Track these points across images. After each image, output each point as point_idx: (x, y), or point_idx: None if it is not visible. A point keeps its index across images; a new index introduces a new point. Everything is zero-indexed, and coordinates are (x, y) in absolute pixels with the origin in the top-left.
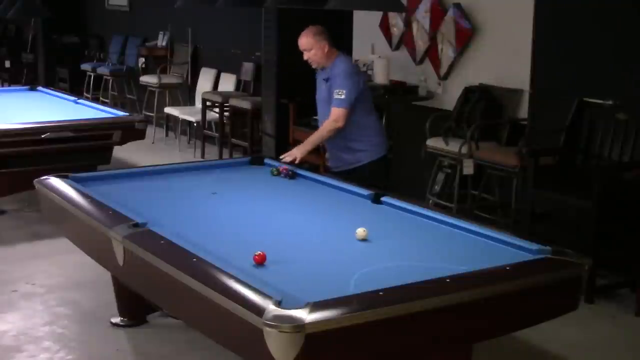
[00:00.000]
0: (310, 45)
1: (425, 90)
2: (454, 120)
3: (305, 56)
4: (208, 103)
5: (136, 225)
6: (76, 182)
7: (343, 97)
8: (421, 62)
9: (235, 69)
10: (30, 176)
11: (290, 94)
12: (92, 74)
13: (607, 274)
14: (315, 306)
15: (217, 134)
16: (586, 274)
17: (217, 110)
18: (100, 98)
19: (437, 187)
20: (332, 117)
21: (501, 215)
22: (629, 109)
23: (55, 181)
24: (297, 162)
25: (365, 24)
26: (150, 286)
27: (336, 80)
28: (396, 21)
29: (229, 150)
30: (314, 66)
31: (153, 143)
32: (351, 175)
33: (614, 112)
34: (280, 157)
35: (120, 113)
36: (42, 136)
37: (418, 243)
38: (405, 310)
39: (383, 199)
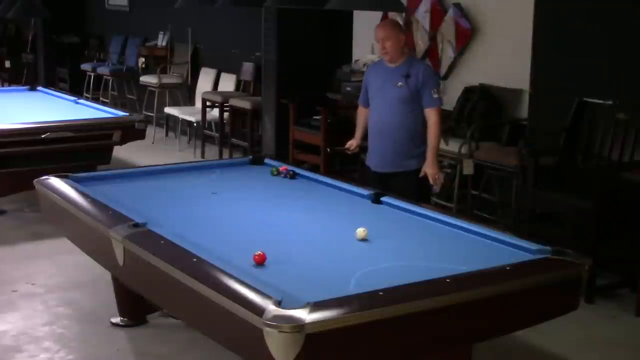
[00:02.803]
0: (389, 35)
1: None
2: (454, 120)
3: (382, 46)
4: (208, 103)
5: (136, 225)
6: (76, 182)
7: (437, 95)
8: None
9: (235, 69)
10: (30, 176)
11: (290, 94)
12: (92, 74)
13: (607, 274)
14: (315, 306)
15: (217, 134)
16: (586, 274)
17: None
18: (100, 98)
19: (436, 187)
20: (437, 117)
21: (501, 215)
22: (629, 109)
23: (55, 181)
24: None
25: (365, 24)
26: (150, 286)
27: (427, 78)
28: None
29: (229, 150)
30: (386, 58)
31: (153, 143)
32: (394, 179)
33: (614, 112)
34: (432, 186)
35: (120, 113)
36: (42, 136)
37: (418, 243)
38: (405, 310)
39: (383, 199)
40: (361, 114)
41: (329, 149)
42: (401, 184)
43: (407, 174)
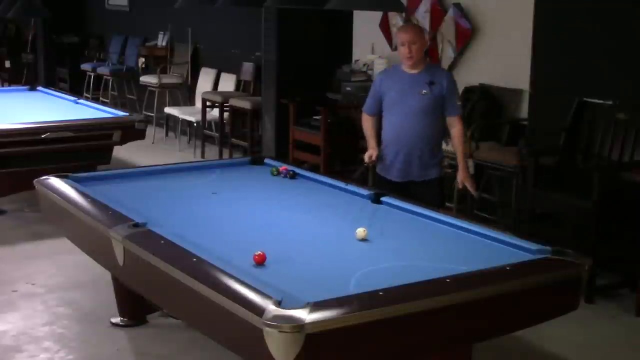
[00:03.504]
0: (416, 39)
1: None
2: None
3: (407, 49)
4: (208, 103)
5: (136, 225)
6: (76, 182)
7: (460, 103)
8: None
9: (235, 69)
10: (30, 176)
11: (290, 94)
12: (92, 74)
13: (607, 274)
14: (315, 306)
15: (217, 134)
16: (586, 274)
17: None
18: (100, 98)
19: (476, 193)
20: (461, 128)
21: (501, 215)
22: (629, 109)
23: (55, 181)
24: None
25: (365, 24)
26: (150, 286)
27: (453, 86)
28: (396, 21)
29: (229, 150)
30: (408, 63)
31: (153, 143)
32: (415, 188)
33: (614, 112)
34: (474, 193)
35: (120, 113)
36: (42, 136)
37: (418, 243)
38: (405, 310)
39: (383, 199)
40: (368, 121)
41: (346, 183)
42: (422, 193)
43: (428, 183)
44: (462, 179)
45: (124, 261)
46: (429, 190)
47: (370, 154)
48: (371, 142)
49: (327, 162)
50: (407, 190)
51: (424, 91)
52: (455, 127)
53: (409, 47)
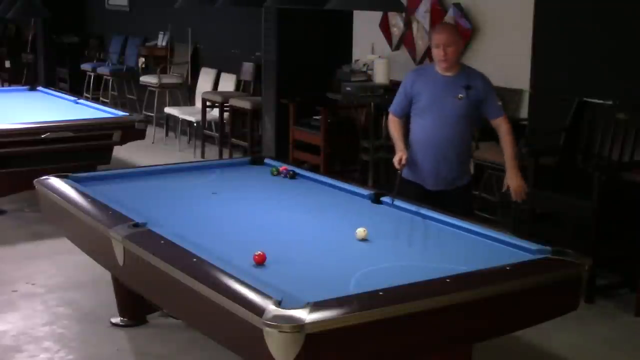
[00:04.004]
0: (452, 41)
1: None
2: None
3: (442, 52)
4: (208, 103)
5: (136, 225)
6: (76, 182)
7: (500, 103)
8: (421, 62)
9: (235, 69)
10: (30, 176)
11: (291, 94)
12: (92, 74)
13: (607, 274)
14: (315, 306)
15: (217, 134)
16: (586, 274)
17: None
18: (100, 98)
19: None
20: (509, 124)
21: (501, 215)
22: (629, 109)
23: (55, 181)
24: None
25: (365, 24)
26: (150, 286)
27: (489, 87)
28: (396, 21)
29: (229, 150)
30: (443, 66)
31: (153, 143)
32: (445, 196)
33: (614, 112)
34: (515, 200)
35: (120, 113)
36: (42, 136)
37: (418, 243)
38: (405, 310)
39: (383, 199)
40: (396, 123)
41: (392, 199)
42: (453, 201)
43: (458, 191)
44: (515, 185)
45: (124, 261)
46: (460, 198)
47: (400, 157)
48: (399, 144)
49: (327, 162)
50: (437, 198)
51: (460, 95)
52: (503, 128)
53: (443, 49)
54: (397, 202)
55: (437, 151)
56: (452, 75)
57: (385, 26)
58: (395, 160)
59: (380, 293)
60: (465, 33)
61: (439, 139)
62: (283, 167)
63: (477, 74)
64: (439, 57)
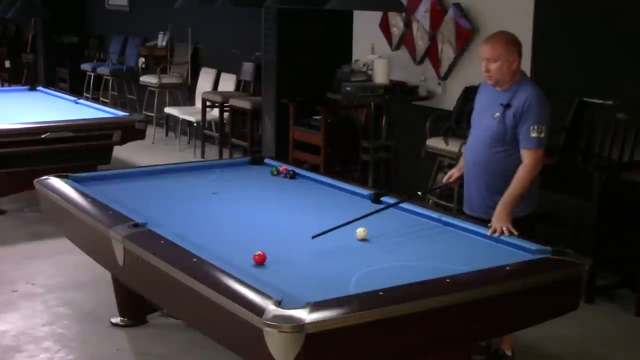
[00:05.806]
0: (498, 55)
1: (425, 90)
2: (454, 120)
3: (486, 67)
4: (208, 103)
5: (136, 225)
6: (76, 182)
7: (543, 135)
8: (421, 62)
9: (235, 69)
10: (30, 176)
11: (291, 94)
12: (92, 74)
13: (607, 274)
14: (315, 306)
15: (217, 134)
16: (586, 274)
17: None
18: (100, 98)
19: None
20: (532, 160)
21: None
22: (629, 109)
23: (55, 181)
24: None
25: (365, 24)
26: (150, 286)
27: (531, 111)
28: (396, 21)
29: (229, 150)
30: (489, 82)
31: (153, 143)
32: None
33: (614, 112)
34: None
35: (120, 113)
36: (42, 136)
37: (418, 243)
38: (405, 310)
39: (383, 199)
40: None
41: (381, 200)
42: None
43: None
44: (496, 224)
45: (124, 261)
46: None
47: (451, 174)
48: (460, 161)
49: (327, 162)
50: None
51: (497, 114)
52: (525, 160)
53: (486, 64)
54: (395, 201)
55: (469, 174)
56: (502, 90)
57: (385, 26)
58: (447, 176)
59: (380, 293)
60: (465, 33)
61: (471, 161)
62: (283, 167)
63: (527, 91)
64: (483, 72)
